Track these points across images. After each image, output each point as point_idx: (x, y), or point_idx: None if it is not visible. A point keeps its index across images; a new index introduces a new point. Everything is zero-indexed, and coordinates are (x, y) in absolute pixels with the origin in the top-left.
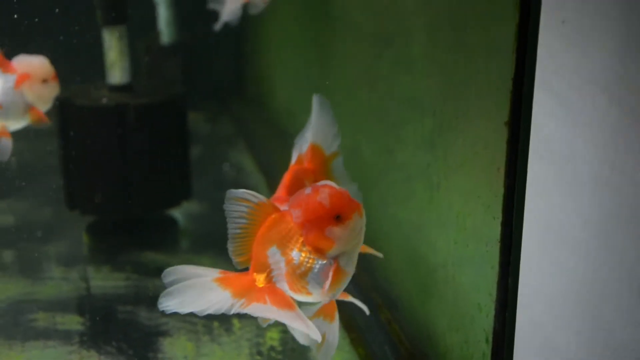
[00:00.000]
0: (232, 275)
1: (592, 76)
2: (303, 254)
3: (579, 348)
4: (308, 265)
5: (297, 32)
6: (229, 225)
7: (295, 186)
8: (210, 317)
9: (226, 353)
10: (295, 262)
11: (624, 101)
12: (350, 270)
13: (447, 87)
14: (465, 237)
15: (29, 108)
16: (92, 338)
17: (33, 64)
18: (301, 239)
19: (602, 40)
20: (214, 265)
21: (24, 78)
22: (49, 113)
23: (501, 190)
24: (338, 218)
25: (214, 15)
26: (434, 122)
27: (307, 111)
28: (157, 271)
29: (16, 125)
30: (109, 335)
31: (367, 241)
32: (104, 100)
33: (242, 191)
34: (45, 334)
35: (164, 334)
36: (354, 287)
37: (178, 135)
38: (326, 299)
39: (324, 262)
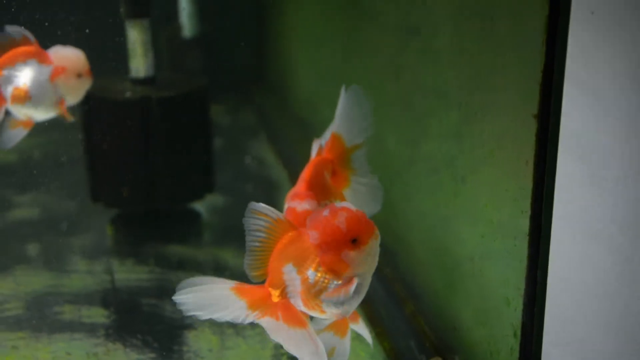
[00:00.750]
0: (248, 286)
1: (623, 69)
2: (318, 274)
3: (608, 343)
4: (323, 285)
5: (321, 23)
6: (247, 239)
7: (315, 180)
8: None
9: (250, 347)
10: (310, 281)
11: None
12: (364, 291)
13: (474, 78)
14: (493, 230)
15: (59, 101)
16: (117, 331)
17: (70, 57)
18: (317, 259)
19: (632, 31)
20: (237, 257)
21: (59, 71)
22: (72, 107)
23: (530, 184)
24: (354, 242)
25: (235, 7)
26: (460, 114)
27: (330, 103)
28: (181, 264)
29: (43, 116)
30: (134, 328)
31: (391, 233)
32: (128, 94)
33: (261, 206)
34: (71, 327)
35: (189, 327)
36: (378, 280)
37: (201, 127)
38: (338, 317)
39: (339, 282)
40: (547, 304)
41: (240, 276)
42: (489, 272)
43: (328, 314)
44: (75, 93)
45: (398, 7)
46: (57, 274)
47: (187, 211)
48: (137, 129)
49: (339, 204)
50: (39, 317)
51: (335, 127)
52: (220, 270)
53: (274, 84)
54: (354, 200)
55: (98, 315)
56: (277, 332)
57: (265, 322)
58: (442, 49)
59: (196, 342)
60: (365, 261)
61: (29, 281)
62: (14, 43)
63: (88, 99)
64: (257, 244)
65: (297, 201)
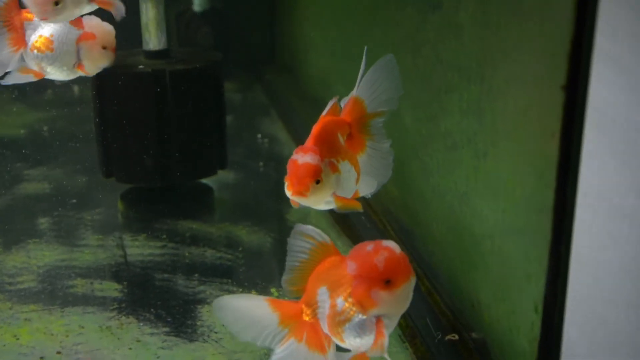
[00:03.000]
0: (283, 300)
1: None
2: (346, 304)
3: (628, 321)
4: (348, 315)
5: None
6: (289, 258)
7: (324, 136)
8: (247, 286)
9: None
10: (337, 308)
11: None
12: (389, 331)
13: (498, 51)
14: (515, 205)
15: (77, 65)
16: (130, 305)
17: (101, 29)
18: (349, 290)
19: None
20: (250, 234)
21: (87, 37)
22: (84, 79)
23: (555, 157)
24: (388, 282)
25: None
26: (482, 88)
27: (343, 80)
28: (194, 240)
29: (55, 74)
30: (147, 302)
31: (407, 211)
32: (141, 67)
33: (309, 228)
34: (84, 300)
35: (202, 301)
36: None
37: (214, 102)
38: (357, 350)
39: (364, 317)
40: (568, 280)
41: (253, 252)
42: (510, 248)
43: (347, 344)
44: (94, 63)
45: None
46: (69, 248)
47: (199, 187)
48: (150, 103)
49: (385, 243)
50: (51, 291)
51: (357, 91)
52: (233, 247)
53: (285, 62)
54: (369, 168)
55: (111, 289)
56: (296, 355)
57: (288, 344)
58: (465, 22)
59: (210, 316)
60: (395, 303)
61: (41, 255)
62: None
63: (100, 72)
64: (297, 263)
65: (300, 154)
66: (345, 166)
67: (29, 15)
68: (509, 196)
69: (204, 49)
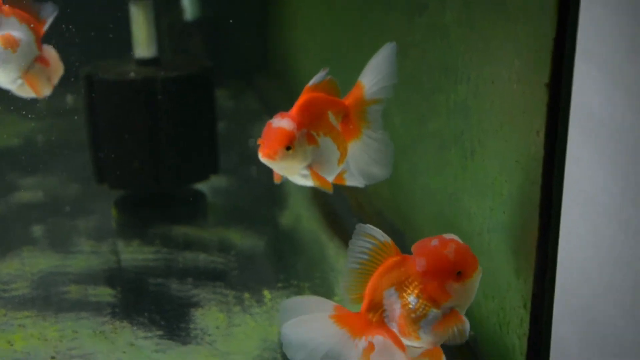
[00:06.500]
0: (347, 313)
1: (635, 41)
2: (420, 301)
3: (617, 317)
4: (423, 312)
5: (325, 4)
6: (349, 259)
7: (307, 108)
8: (240, 289)
9: (258, 324)
10: (411, 306)
11: None
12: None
13: (483, 51)
14: (502, 203)
15: (20, 74)
16: (124, 309)
17: (55, 62)
18: (420, 286)
19: None
20: (243, 238)
21: (44, 61)
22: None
23: (541, 154)
24: (459, 274)
25: None
26: (468, 87)
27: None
28: (187, 244)
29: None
30: (141, 307)
31: (398, 212)
32: (132, 74)
33: (370, 227)
34: (78, 306)
35: (195, 305)
36: None
37: (205, 108)
38: (432, 345)
39: (438, 311)
40: (556, 275)
41: (246, 256)
42: (499, 245)
43: (423, 341)
44: (35, 85)
45: None
46: (62, 255)
47: (192, 192)
48: (142, 110)
49: (447, 236)
50: (45, 297)
51: (362, 75)
52: (226, 251)
53: (277, 68)
54: (363, 156)
55: (104, 294)
56: (386, 351)
57: (376, 341)
58: (451, 23)
59: (203, 319)
60: (466, 293)
61: (35, 262)
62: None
63: (92, 80)
64: (357, 265)
65: (278, 118)
66: (326, 142)
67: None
68: (496, 194)
69: (195, 56)
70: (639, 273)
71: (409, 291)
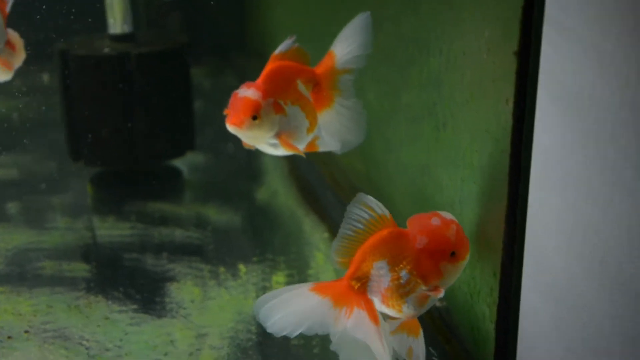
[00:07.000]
0: (326, 283)
1: (604, 10)
2: (411, 277)
3: (587, 285)
4: (412, 288)
5: None
6: (344, 225)
7: (273, 77)
8: (215, 263)
9: (233, 297)
10: (402, 281)
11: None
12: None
13: (454, 24)
14: (473, 173)
15: None
16: (99, 284)
17: (19, 48)
18: (414, 263)
19: None
20: (219, 214)
21: (11, 45)
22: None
23: (510, 122)
24: (453, 255)
25: None
26: (440, 60)
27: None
28: (163, 220)
29: None
30: (116, 282)
31: (372, 186)
32: (106, 50)
33: (370, 199)
34: (52, 281)
35: (171, 279)
36: None
37: (181, 84)
38: (411, 318)
39: (425, 288)
40: (525, 247)
41: (222, 231)
42: (470, 215)
43: (404, 314)
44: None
45: None
46: (38, 231)
47: (168, 168)
48: (116, 86)
49: (445, 215)
50: (19, 272)
51: (334, 45)
52: (202, 226)
53: (256, 46)
54: (335, 124)
55: (79, 269)
56: (362, 325)
57: (355, 318)
58: None
59: (178, 293)
60: (455, 274)
61: (10, 238)
62: None
63: (66, 57)
64: (350, 232)
65: (244, 88)
66: (293, 110)
67: None
68: (467, 165)
69: (170, 32)
70: (608, 241)
71: (401, 266)
